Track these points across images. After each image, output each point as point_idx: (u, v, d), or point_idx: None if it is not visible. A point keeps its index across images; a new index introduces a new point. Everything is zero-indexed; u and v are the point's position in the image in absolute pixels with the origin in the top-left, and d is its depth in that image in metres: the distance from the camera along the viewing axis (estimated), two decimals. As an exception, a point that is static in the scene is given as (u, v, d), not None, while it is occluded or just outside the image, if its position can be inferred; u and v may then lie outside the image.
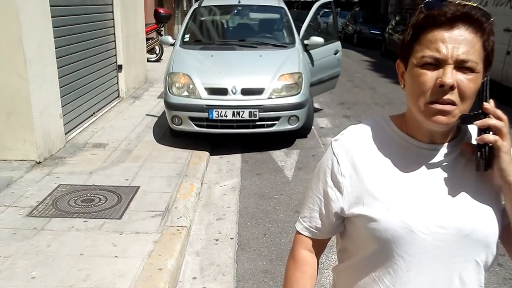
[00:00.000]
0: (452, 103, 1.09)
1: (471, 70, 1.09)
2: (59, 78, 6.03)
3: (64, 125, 6.20)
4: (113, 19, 8.69)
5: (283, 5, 8.01)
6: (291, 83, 6.26)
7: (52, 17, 5.82)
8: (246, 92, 6.03)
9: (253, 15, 8.37)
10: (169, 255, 3.56)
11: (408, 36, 1.18)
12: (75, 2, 6.85)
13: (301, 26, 7.52)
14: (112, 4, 8.64)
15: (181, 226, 4.07)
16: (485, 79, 1.14)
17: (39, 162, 5.44)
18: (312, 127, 7.25)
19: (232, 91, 6.01)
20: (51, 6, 5.78)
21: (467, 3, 1.11)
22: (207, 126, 6.08)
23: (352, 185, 1.23)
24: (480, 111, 1.11)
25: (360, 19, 22.17)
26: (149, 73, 11.38)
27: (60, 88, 6.06)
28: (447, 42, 1.09)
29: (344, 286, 1.37)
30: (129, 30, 9.42)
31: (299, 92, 6.25)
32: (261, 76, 6.22)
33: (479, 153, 1.11)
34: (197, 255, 3.86)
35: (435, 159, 1.20)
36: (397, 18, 17.75)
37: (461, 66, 1.09)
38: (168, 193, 4.79)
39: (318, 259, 1.41)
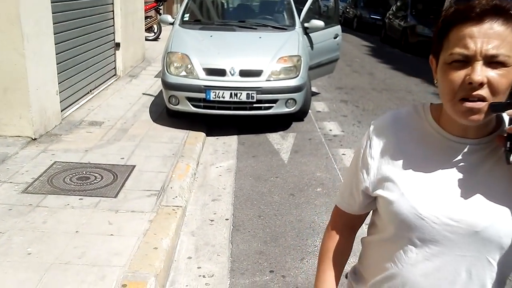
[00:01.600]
0: (483, 99, 1.08)
1: (503, 64, 1.06)
2: (56, 54, 5.98)
3: (60, 102, 6.17)
4: (112, -4, 8.62)
5: (284, -13, 7.94)
6: (290, 65, 6.24)
7: (50, -8, 5.76)
8: (244, 73, 6.01)
9: (253, -4, 8.31)
10: (165, 234, 3.57)
11: (438, 32, 1.17)
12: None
13: (302, 9, 7.47)
14: (111, -19, 8.56)
15: (177, 206, 4.08)
16: None
17: (35, 139, 5.42)
18: (309, 110, 7.24)
19: (230, 72, 5.98)
20: (49, -20, 5.73)
21: None
22: (204, 107, 6.07)
23: (378, 168, 1.28)
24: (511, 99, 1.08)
25: (361, 4, 22.00)
26: (147, 51, 11.31)
27: (57, 64, 6.01)
28: (476, 37, 1.07)
29: (368, 258, 1.44)
30: (128, 8, 9.33)
31: (297, 75, 6.23)
32: (259, 58, 6.20)
33: (508, 143, 1.08)
34: (192, 235, 3.88)
35: (463, 154, 1.19)
36: (398, 4, 17.62)
37: (491, 61, 1.06)
38: (164, 172, 4.80)
39: (354, 233, 1.49)
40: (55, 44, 5.96)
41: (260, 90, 5.96)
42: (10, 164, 4.76)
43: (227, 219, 4.16)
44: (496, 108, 1.08)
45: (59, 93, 6.11)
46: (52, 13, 5.83)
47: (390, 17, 17.29)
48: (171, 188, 4.45)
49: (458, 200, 1.17)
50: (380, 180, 1.27)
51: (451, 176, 1.19)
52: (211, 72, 6.03)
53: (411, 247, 1.22)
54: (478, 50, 1.06)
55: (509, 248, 1.16)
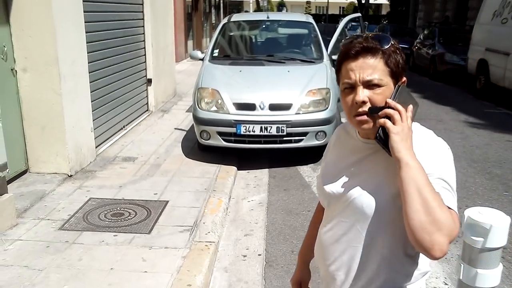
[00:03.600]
0: (367, 113, 1.47)
1: (378, 85, 1.46)
2: (91, 92, 6.18)
3: (95, 138, 6.33)
4: (143, 33, 8.88)
5: (311, 20, 8.06)
6: (318, 98, 6.28)
7: (86, 32, 5.98)
8: (274, 107, 6.07)
9: (281, 30, 8.43)
10: (198, 271, 3.59)
11: (335, 69, 1.59)
12: (108, 18, 7.02)
13: (329, 40, 7.55)
14: (143, 19, 8.82)
15: (210, 242, 4.11)
16: (398, 85, 1.49)
17: (71, 176, 5.56)
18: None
19: (260, 106, 6.05)
20: (85, 22, 5.95)
21: (369, 35, 1.50)
22: (235, 141, 6.14)
23: (323, 162, 1.84)
24: (385, 105, 1.45)
25: (388, 33, 21.99)
26: (178, 86, 11.53)
27: (91, 102, 6.20)
28: (354, 70, 1.48)
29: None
30: (159, 43, 9.59)
31: (326, 108, 6.26)
32: (289, 92, 6.26)
33: (377, 134, 1.47)
34: (225, 271, 3.89)
35: (364, 150, 1.60)
36: (425, 32, 17.61)
37: (368, 84, 1.46)
38: (197, 208, 4.84)
39: None
40: (90, 82, 6.16)
41: (290, 124, 6.01)
42: (48, 201, 4.88)
43: (259, 255, 4.16)
44: (373, 111, 1.46)
45: (94, 129, 6.27)
46: (88, 52, 6.05)
47: (418, 45, 17.27)
48: (203, 223, 4.49)
49: (345, 179, 1.62)
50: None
51: (349, 165, 1.63)
52: (241, 106, 6.11)
53: (326, 213, 1.71)
54: (357, 78, 1.47)
55: (372, 219, 1.51)
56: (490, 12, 11.96)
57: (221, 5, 32.05)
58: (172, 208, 4.82)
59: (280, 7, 66.06)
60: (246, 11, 39.37)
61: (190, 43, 20.29)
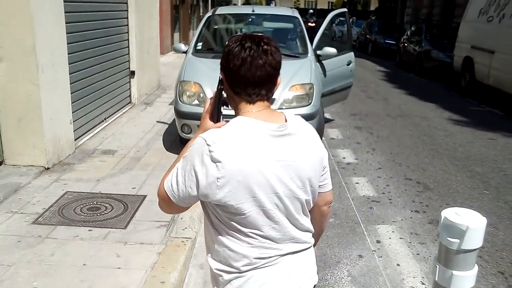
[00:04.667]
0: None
1: None
2: (70, 84, 6.06)
3: (74, 131, 6.22)
4: (127, 25, 8.74)
5: (297, 14, 7.99)
6: (302, 93, 6.22)
7: (66, 23, 5.85)
8: (256, 102, 5.98)
9: (266, 24, 8.35)
10: (173, 267, 3.53)
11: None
12: (90, 9, 6.89)
13: (314, 36, 7.49)
14: (127, 10, 8.69)
15: (186, 238, 4.05)
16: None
17: (48, 168, 5.45)
18: (323, 138, 7.20)
19: (242, 100, 5.97)
20: (65, 12, 5.83)
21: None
22: (217, 136, 6.05)
23: None
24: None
25: (375, 29, 22.06)
26: (162, 78, 11.42)
27: (71, 94, 6.09)
28: None
29: None
30: (143, 35, 9.46)
31: (310, 103, 6.20)
32: (271, 86, 6.19)
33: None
34: (201, 268, 3.83)
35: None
36: (412, 29, 17.64)
37: None
38: (175, 202, 4.76)
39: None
40: (70, 74, 6.04)
41: (272, 119, 5.93)
42: (23, 194, 4.78)
43: (237, 251, 4.11)
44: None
45: (73, 122, 6.16)
46: (68, 43, 5.93)
47: (405, 42, 17.29)
48: (181, 218, 4.42)
49: None
50: None
51: None
52: (223, 100, 6.02)
53: None
54: None
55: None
56: (477, 10, 11.98)
57: (209, -3, 31.81)
58: (150, 202, 4.74)
59: (269, 0, 65.87)
60: (234, 4, 39.14)
61: (176, 35, 20.11)
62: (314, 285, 1.82)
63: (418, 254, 4.10)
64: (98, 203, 4.71)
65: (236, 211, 1.61)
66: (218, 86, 1.80)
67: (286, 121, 1.69)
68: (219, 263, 1.73)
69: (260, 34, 1.79)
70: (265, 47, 1.66)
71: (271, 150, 1.61)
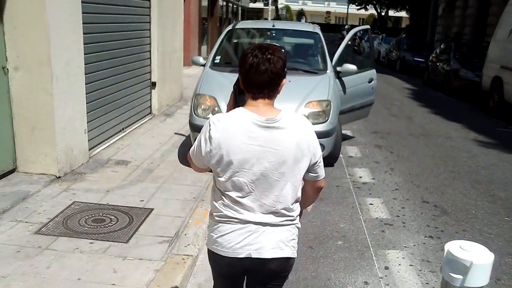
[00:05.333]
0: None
1: None
2: (86, 93, 6.08)
3: (88, 140, 6.22)
4: (149, 37, 8.78)
5: (318, 30, 7.89)
6: (318, 110, 6.10)
7: (84, 34, 5.88)
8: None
9: (286, 39, 8.27)
10: (168, 286, 3.43)
11: None
12: (110, 20, 6.93)
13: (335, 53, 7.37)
14: (149, 22, 8.73)
15: (187, 255, 3.95)
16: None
17: (59, 177, 5.44)
18: (341, 155, 7.05)
19: (257, 116, 5.88)
20: (84, 23, 5.86)
21: None
22: (230, 150, 5.96)
23: None
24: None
25: (404, 46, 21.78)
26: (185, 90, 11.43)
27: (87, 103, 6.10)
28: None
29: None
30: (166, 48, 9.50)
31: (326, 120, 6.08)
32: (287, 103, 6.07)
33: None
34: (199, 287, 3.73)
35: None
36: (441, 47, 17.34)
37: None
38: (181, 217, 4.69)
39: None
40: (86, 84, 6.05)
41: (287, 135, 5.82)
42: (30, 202, 4.77)
43: (239, 271, 3.99)
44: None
45: (88, 131, 6.17)
46: (85, 54, 5.95)
47: (434, 60, 17.00)
48: (185, 235, 4.34)
49: None
50: None
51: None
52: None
53: None
54: None
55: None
56: (507, 30, 11.69)
57: (239, 11, 32.05)
58: (156, 216, 4.68)
59: (299, 16, 65.99)
60: (265, 19, 39.33)
61: (204, 48, 20.23)
62: (289, 259, 2.24)
63: (427, 283, 3.90)
64: (104, 214, 4.66)
65: (219, 175, 2.16)
66: (234, 84, 2.37)
67: (277, 116, 2.13)
68: (210, 210, 2.32)
69: (271, 44, 2.25)
70: (269, 56, 2.11)
71: (255, 136, 2.09)
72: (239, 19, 31.35)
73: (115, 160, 6.32)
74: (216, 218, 2.22)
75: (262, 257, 2.16)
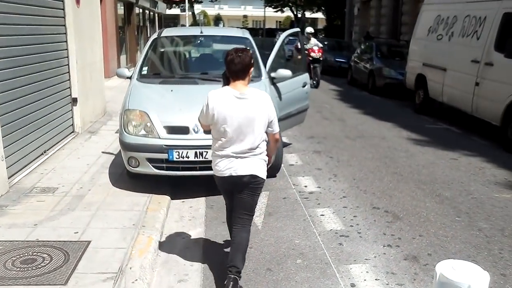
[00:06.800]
0: None
1: None
2: (0, 115, 5.43)
3: (7, 168, 5.58)
4: (67, 49, 8.14)
5: (248, 35, 7.60)
6: (258, 119, 5.81)
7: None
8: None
9: (216, 46, 7.92)
10: (120, 336, 2.99)
11: None
12: (21, 32, 6.29)
13: (268, 55, 7.11)
14: (65, 33, 8.09)
15: (136, 294, 3.51)
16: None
17: (-26, 214, 4.80)
18: (282, 165, 6.79)
19: (194, 129, 5.50)
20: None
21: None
22: (167, 168, 5.55)
23: None
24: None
25: (325, 47, 22.05)
26: (108, 104, 10.80)
27: (1, 126, 5.46)
28: None
29: None
30: (85, 60, 8.88)
31: (266, 130, 5.80)
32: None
33: None
34: (154, 330, 3.31)
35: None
36: (362, 47, 17.66)
37: None
38: (123, 248, 4.23)
39: None
40: (-1, 105, 5.42)
41: (227, 148, 5.49)
42: None
43: (195, 306, 3.60)
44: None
45: (5, 158, 5.52)
46: (-5, 71, 5.32)
47: (356, 60, 17.26)
48: (130, 268, 3.89)
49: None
50: None
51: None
52: (173, 130, 5.54)
53: None
54: None
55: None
56: (425, 28, 12.00)
57: (156, 18, 31.32)
58: (95, 250, 4.18)
59: (217, 21, 65.88)
60: (182, 25, 38.79)
61: (123, 57, 19.47)
62: (256, 176, 3.65)
63: (397, 297, 3.70)
64: (34, 253, 4.12)
65: (214, 128, 3.62)
66: (223, 73, 3.71)
67: (246, 92, 3.59)
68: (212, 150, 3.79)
69: (243, 48, 3.76)
70: (240, 54, 3.59)
71: (233, 104, 3.54)
72: (156, 26, 30.61)
73: (40, 188, 5.71)
74: (213, 155, 3.75)
75: (237, 174, 3.62)
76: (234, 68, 3.54)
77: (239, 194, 3.69)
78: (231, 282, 3.51)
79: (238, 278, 3.59)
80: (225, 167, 3.61)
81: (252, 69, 3.65)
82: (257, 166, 3.64)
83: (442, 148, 8.19)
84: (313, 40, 16.84)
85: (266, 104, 3.61)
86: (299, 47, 9.43)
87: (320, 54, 16.56)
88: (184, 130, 5.53)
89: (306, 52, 15.02)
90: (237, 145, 3.55)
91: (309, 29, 17.74)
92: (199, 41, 7.80)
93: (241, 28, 8.66)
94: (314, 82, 15.70)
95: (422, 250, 4.46)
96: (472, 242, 4.63)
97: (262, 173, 3.68)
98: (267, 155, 3.77)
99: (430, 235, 4.77)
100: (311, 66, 15.81)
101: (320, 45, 16.89)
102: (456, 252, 4.43)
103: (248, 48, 4.21)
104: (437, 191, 6.06)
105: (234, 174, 3.60)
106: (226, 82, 3.65)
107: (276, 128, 3.72)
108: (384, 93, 14.37)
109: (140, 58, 7.10)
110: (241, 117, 3.50)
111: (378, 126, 10.08)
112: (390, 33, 23.52)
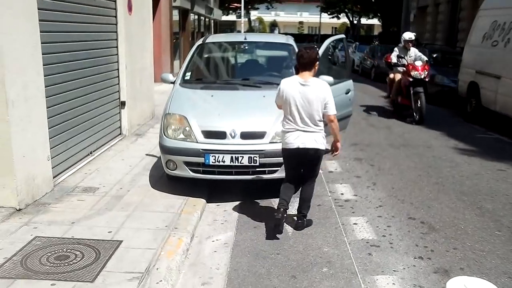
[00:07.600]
0: None
1: None
2: (48, 118, 5.70)
3: (53, 167, 5.83)
4: (117, 54, 8.42)
5: (292, 42, 7.62)
6: (295, 126, 5.83)
7: (43, 54, 5.51)
8: (246, 135, 5.59)
9: (259, 52, 7.99)
10: (137, 334, 3.07)
11: None
12: (73, 39, 6.55)
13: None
14: (117, 39, 8.37)
15: (159, 294, 3.59)
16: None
17: (19, 209, 5.05)
18: (320, 171, 6.73)
19: (230, 134, 5.57)
20: (42, 43, 5.49)
21: None
22: (204, 172, 5.63)
23: None
24: None
25: (378, 53, 21.72)
26: (157, 108, 11.04)
27: (49, 129, 5.72)
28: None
29: None
30: (134, 65, 9.14)
31: (304, 136, 5.80)
32: (263, 119, 5.78)
33: None
34: (173, 331, 3.37)
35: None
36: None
37: None
38: (153, 249, 4.33)
39: None
40: (48, 108, 5.68)
41: (263, 153, 5.53)
42: (-15, 240, 4.36)
43: (216, 309, 3.64)
44: None
45: (52, 158, 5.78)
46: (45, 76, 5.58)
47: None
48: (157, 269, 3.98)
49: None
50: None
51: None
52: (210, 134, 5.63)
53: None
54: None
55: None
56: (480, 35, 11.61)
57: (212, 25, 31.82)
58: (125, 249, 4.31)
59: (273, 27, 66.13)
60: (238, 31, 39.20)
61: (176, 63, 19.88)
62: (318, 149, 4.77)
63: (421, 311, 3.61)
64: (68, 250, 4.28)
65: (284, 106, 4.82)
66: (295, 65, 5.10)
67: (309, 80, 4.70)
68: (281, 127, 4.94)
69: (310, 46, 5.00)
70: (308, 51, 4.76)
71: (297, 89, 4.71)
72: (212, 32, 31.07)
73: (82, 187, 5.93)
74: (283, 130, 4.85)
75: (305, 147, 4.69)
76: (303, 61, 4.72)
77: (307, 163, 4.93)
78: (299, 221, 5.11)
79: (303, 219, 5.09)
80: (294, 139, 4.70)
81: (317, 63, 4.81)
82: (319, 141, 4.73)
83: (490, 159, 7.90)
84: (414, 51, 11.71)
85: (323, 89, 4.68)
86: (344, 53, 9.33)
87: (426, 72, 11.25)
88: (221, 135, 5.61)
89: (404, 69, 11.39)
90: (303, 121, 4.66)
91: (408, 35, 11.92)
92: (242, 47, 7.89)
93: (296, 34, 8.70)
94: (416, 114, 11.05)
95: (455, 264, 4.32)
96: (510, 258, 4.45)
97: (322, 146, 4.79)
98: (332, 134, 4.92)
99: (466, 249, 4.62)
100: (411, 91, 11.18)
101: (425, 58, 11.56)
102: (491, 268, 4.26)
103: (314, 46, 5.07)
104: (478, 203, 5.86)
105: (301, 146, 4.68)
106: (296, 72, 4.89)
107: (330, 110, 4.71)
108: (437, 101, 13.98)
109: (184, 63, 7.25)
110: (302, 99, 4.64)
111: (424, 135, 9.84)
112: (446, 40, 22.90)
